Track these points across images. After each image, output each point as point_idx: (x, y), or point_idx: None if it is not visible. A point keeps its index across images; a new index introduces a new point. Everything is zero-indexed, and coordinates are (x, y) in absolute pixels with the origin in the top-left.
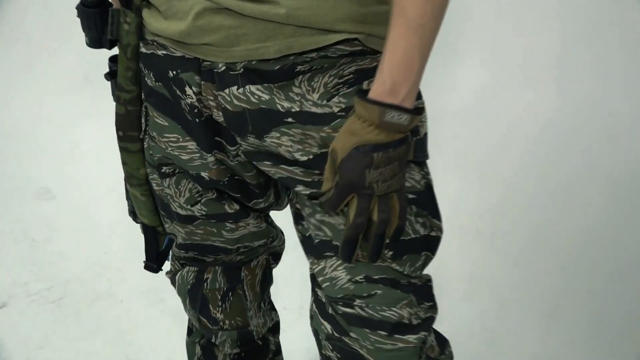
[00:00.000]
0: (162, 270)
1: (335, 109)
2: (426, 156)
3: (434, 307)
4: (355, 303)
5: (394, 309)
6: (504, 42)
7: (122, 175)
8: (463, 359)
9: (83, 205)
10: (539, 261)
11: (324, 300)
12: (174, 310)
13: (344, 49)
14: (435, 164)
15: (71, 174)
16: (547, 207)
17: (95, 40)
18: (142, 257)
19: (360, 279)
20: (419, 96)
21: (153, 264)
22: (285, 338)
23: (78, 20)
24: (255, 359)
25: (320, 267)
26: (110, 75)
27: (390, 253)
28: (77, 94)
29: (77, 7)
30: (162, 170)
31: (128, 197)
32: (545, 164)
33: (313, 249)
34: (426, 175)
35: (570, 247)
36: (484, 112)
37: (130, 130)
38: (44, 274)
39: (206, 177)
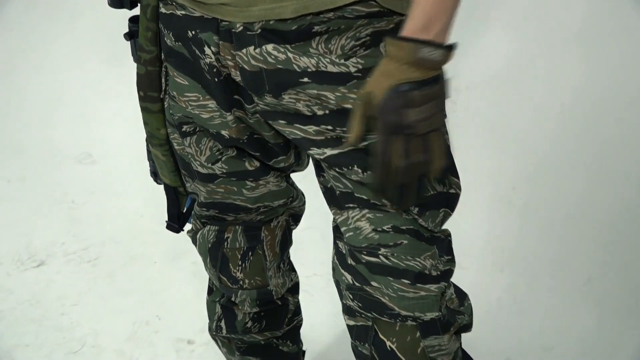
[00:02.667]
0: (183, 230)
1: (352, 69)
2: (444, 116)
3: (452, 261)
4: (380, 252)
5: (418, 259)
6: (534, 7)
7: None
8: (492, 329)
9: (122, 170)
10: (571, 233)
11: (344, 251)
12: (205, 273)
13: (360, 9)
14: (467, 133)
15: (112, 140)
16: (581, 177)
17: (117, 0)
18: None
19: (387, 228)
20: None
21: (175, 224)
22: (314, 303)
23: None
24: (274, 319)
25: (343, 217)
26: (129, 36)
27: (417, 209)
28: (120, 62)
29: None
30: (183, 129)
31: (150, 158)
32: (579, 133)
33: (335, 200)
34: (443, 135)
35: (603, 219)
36: (516, 79)
37: (150, 91)
38: (81, 235)
39: (226, 135)
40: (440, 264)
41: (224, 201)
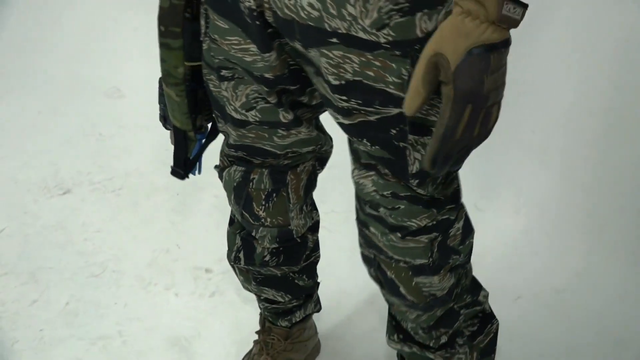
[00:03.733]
0: (188, 177)
1: (382, 40)
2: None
3: (454, 209)
4: (380, 209)
5: (414, 220)
6: None
7: None
8: (506, 268)
9: (149, 105)
10: (587, 178)
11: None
12: (225, 205)
13: None
14: None
15: (140, 75)
16: (600, 124)
17: None
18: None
19: (387, 194)
20: None
21: (180, 169)
22: (332, 239)
23: None
24: (292, 255)
25: (353, 167)
26: None
27: (416, 181)
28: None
29: None
30: (221, 73)
31: (161, 102)
32: (600, 80)
33: (351, 151)
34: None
35: (621, 166)
36: (539, 27)
37: (172, 26)
38: (107, 166)
39: (270, 76)
40: (439, 216)
41: (253, 145)
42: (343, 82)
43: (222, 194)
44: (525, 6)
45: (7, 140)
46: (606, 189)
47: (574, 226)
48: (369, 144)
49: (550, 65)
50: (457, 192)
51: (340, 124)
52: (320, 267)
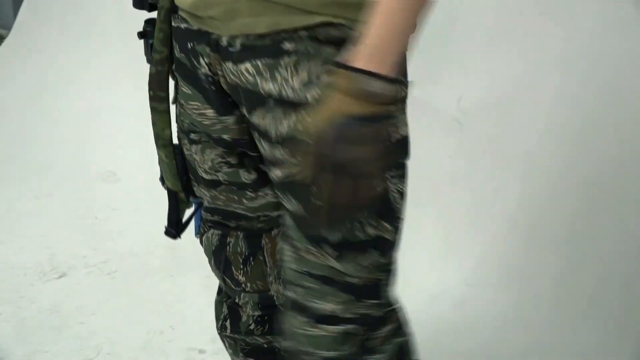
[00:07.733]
0: (180, 237)
1: (310, 98)
2: (407, 156)
3: (378, 305)
4: (287, 289)
5: (322, 302)
6: (543, 27)
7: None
8: (497, 344)
9: (143, 188)
10: (575, 252)
11: None
12: (217, 285)
13: (331, 32)
14: (473, 152)
15: (135, 158)
16: (586, 199)
17: (138, 1)
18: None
19: (303, 271)
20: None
21: (173, 229)
22: None
23: (144, 13)
24: (277, 323)
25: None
26: (141, 35)
27: (336, 254)
28: (142, 83)
29: None
30: (191, 137)
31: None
32: (587, 156)
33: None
34: (390, 179)
35: (606, 239)
36: (523, 100)
37: (158, 90)
38: (102, 249)
39: (228, 138)
40: (360, 309)
41: (226, 208)
42: (280, 138)
43: (214, 275)
44: (395, 82)
45: (3, 225)
46: (593, 263)
47: (562, 300)
48: (295, 202)
49: (535, 141)
50: (377, 287)
51: (275, 184)
52: None
